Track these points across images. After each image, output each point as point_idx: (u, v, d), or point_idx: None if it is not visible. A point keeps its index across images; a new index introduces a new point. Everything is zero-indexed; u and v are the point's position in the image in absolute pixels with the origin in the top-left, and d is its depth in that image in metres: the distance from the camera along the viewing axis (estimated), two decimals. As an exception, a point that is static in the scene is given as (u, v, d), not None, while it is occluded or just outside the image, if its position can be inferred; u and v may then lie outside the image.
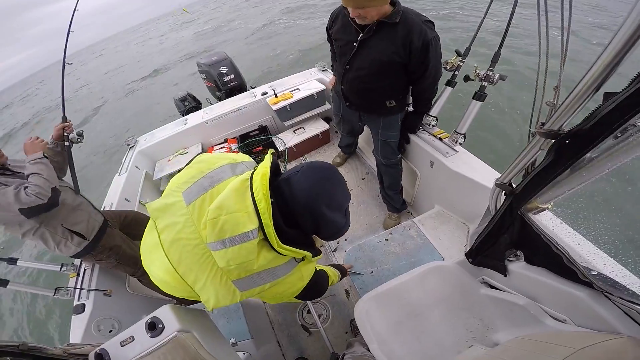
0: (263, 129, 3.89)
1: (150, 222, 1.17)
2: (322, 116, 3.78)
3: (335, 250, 2.62)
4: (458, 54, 2.10)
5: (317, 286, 1.41)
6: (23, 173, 1.85)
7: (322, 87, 3.49)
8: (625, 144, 0.69)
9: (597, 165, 0.77)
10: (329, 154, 3.61)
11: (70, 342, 1.78)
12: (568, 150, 0.81)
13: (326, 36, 2.30)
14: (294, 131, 3.66)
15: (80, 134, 2.43)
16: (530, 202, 1.04)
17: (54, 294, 2.03)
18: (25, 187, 1.74)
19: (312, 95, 3.46)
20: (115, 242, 2.19)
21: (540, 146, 0.91)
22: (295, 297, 1.26)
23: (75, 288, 2.09)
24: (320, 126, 3.62)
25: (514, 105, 5.42)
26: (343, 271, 1.78)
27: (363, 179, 3.18)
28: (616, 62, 0.62)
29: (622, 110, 0.65)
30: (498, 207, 1.22)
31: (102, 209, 2.49)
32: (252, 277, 1.03)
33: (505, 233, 1.19)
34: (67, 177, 2.31)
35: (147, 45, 27.22)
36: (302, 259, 1.14)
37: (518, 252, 1.24)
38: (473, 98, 1.99)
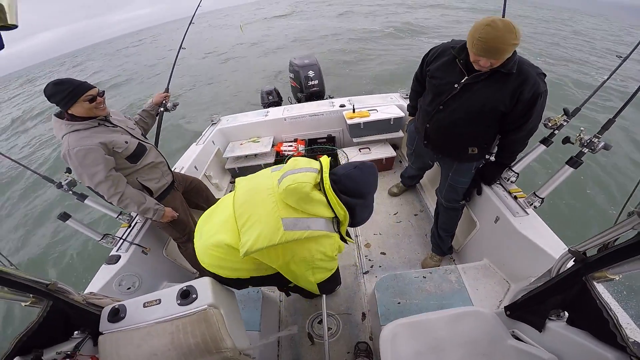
0: (331, 139, 3.95)
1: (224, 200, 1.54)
2: (391, 142, 3.74)
3: (366, 272, 2.58)
4: (565, 112, 1.96)
5: (335, 281, 1.78)
6: (122, 128, 2.05)
7: (402, 114, 3.46)
8: None
9: None
10: (387, 181, 3.57)
11: (89, 290, 1.87)
12: None
13: (418, 69, 2.23)
14: (359, 149, 3.66)
15: (175, 105, 2.72)
16: (599, 271, 0.98)
17: (101, 238, 2.14)
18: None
19: (389, 119, 3.46)
20: (175, 204, 2.31)
21: (632, 226, 0.87)
22: (318, 285, 1.48)
23: (120, 238, 2.20)
24: (387, 152, 3.58)
25: (603, 181, 5.11)
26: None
27: (416, 215, 3.09)
28: None
29: None
30: (561, 271, 1.17)
31: (173, 169, 2.63)
32: (298, 219, 1.27)
33: (560, 294, 1.17)
34: (151, 136, 2.52)
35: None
36: (339, 227, 1.38)
37: (562, 313, 1.22)
38: (566, 163, 1.86)
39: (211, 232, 1.42)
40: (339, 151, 3.71)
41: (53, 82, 1.78)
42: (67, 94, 1.79)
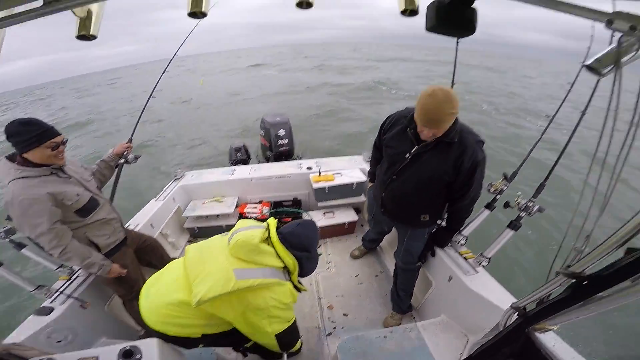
0: (297, 202, 4.04)
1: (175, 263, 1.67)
2: (354, 206, 3.87)
3: (329, 334, 2.59)
4: (505, 177, 2.17)
5: (293, 333, 1.84)
6: (76, 179, 1.98)
7: (364, 178, 3.63)
8: (638, 288, 0.80)
9: (608, 301, 0.88)
10: (349, 244, 3.65)
11: (10, 340, 1.74)
12: (585, 289, 0.95)
13: (376, 138, 2.38)
14: (323, 213, 3.75)
15: (137, 157, 2.64)
16: (539, 324, 1.13)
17: (35, 289, 2.01)
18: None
19: (352, 184, 3.61)
20: (125, 262, 2.22)
21: (560, 283, 1.04)
22: (276, 336, 1.58)
23: (57, 290, 2.08)
24: (350, 216, 3.70)
25: (539, 237, 5.50)
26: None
27: (376, 276, 3.18)
28: None
29: (637, 265, 0.78)
30: (507, 325, 1.31)
31: (127, 226, 2.59)
32: (249, 270, 1.42)
33: (508, 346, 1.29)
34: (107, 189, 2.45)
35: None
36: (290, 276, 1.58)
37: None
38: (508, 226, 2.05)
39: (160, 292, 1.52)
40: (304, 214, 3.81)
41: (20, 121, 1.70)
42: (31, 137, 1.70)
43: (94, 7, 0.97)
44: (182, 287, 1.45)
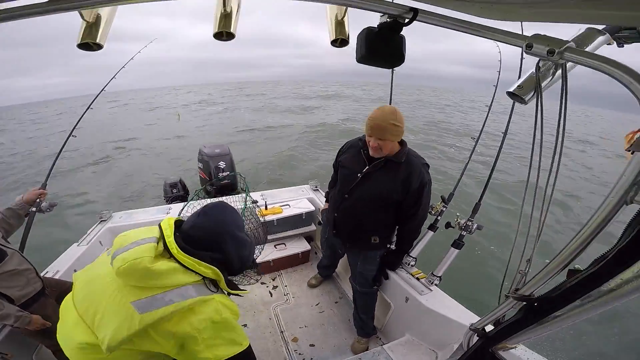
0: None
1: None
2: (305, 235, 3.94)
3: (299, 367, 2.59)
4: (442, 199, 2.38)
5: (247, 357, 1.30)
6: None
7: (312, 207, 3.73)
8: (587, 307, 0.89)
9: (562, 321, 0.99)
10: (305, 274, 3.69)
11: None
12: (537, 311, 1.05)
13: (335, 160, 2.49)
14: (275, 245, 3.76)
15: (52, 205, 2.44)
16: (500, 344, 1.27)
17: None
18: None
19: (301, 214, 3.69)
20: (46, 312, 2.04)
21: (512, 306, 1.15)
22: None
23: None
24: (302, 246, 3.76)
25: (489, 258, 5.95)
26: None
27: (336, 302, 3.26)
28: (582, 249, 0.88)
29: (583, 285, 0.88)
30: (470, 346, 1.44)
31: (44, 273, 2.41)
32: (154, 297, 1.06)
33: None
34: (14, 238, 2.22)
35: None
36: (217, 285, 1.23)
37: None
38: (452, 246, 2.25)
39: (68, 335, 1.18)
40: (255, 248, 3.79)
41: None
42: None
43: (104, 11, 0.90)
44: (85, 330, 1.10)
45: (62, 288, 2.33)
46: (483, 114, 2.57)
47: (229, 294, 1.32)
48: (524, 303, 1.10)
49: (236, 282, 1.51)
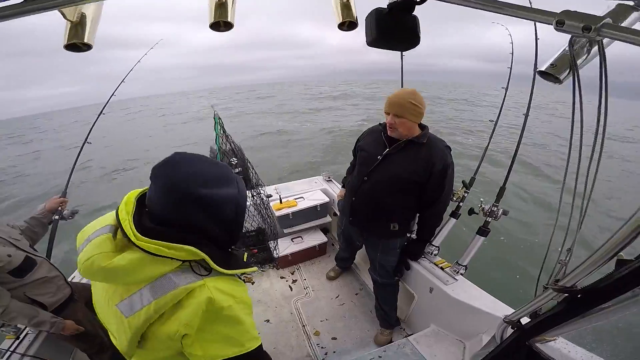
0: (261, 231, 3.99)
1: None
2: (321, 227, 3.90)
3: (322, 360, 2.57)
4: (464, 184, 2.31)
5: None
6: (3, 239, 1.84)
7: (326, 199, 3.68)
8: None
9: (609, 313, 0.92)
10: (323, 266, 3.67)
11: None
12: (581, 303, 0.98)
13: (354, 146, 2.47)
14: (291, 239, 3.74)
15: (74, 213, 2.45)
16: (539, 336, 1.22)
17: None
18: None
19: (316, 206, 3.64)
20: (77, 317, 2.09)
21: (552, 298, 1.08)
22: None
23: (7, 350, 1.94)
24: (319, 238, 3.73)
25: (523, 248, 5.83)
26: None
27: (356, 294, 3.23)
28: (634, 237, 0.79)
29: (636, 275, 0.81)
30: (504, 338, 1.39)
31: (70, 278, 2.42)
32: (131, 297, 0.87)
33: (510, 358, 1.33)
34: (42, 246, 2.26)
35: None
36: (207, 265, 0.92)
37: None
38: (477, 233, 2.17)
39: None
40: (270, 243, 3.78)
41: None
42: None
43: (88, 8, 0.83)
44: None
45: (89, 292, 2.34)
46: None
47: (245, 280, 1.12)
48: (566, 295, 1.04)
49: (251, 254, 1.34)
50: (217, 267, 0.91)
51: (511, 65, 2.38)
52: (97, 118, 2.88)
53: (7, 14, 0.67)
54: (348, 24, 1.21)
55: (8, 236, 1.89)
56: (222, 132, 1.72)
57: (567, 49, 0.85)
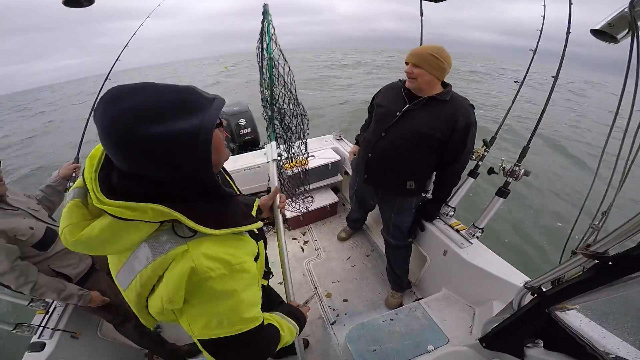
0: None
1: None
2: (331, 187, 3.84)
3: (334, 323, 2.58)
4: (484, 143, 2.19)
5: (255, 346, 0.88)
6: (23, 210, 1.79)
7: (337, 157, 3.59)
8: None
9: (637, 283, 0.85)
10: (334, 226, 3.64)
11: None
12: (610, 270, 0.90)
13: (370, 104, 2.37)
14: (302, 199, 3.71)
15: None
16: (559, 304, 1.14)
17: (14, 328, 1.87)
18: None
19: (327, 165, 3.55)
20: (101, 287, 2.07)
21: (582, 264, 1.00)
22: (203, 344, 0.81)
23: (39, 326, 1.96)
24: (330, 197, 3.67)
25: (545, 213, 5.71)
26: (301, 320, 1.23)
27: (368, 255, 3.19)
28: None
29: None
30: (522, 305, 1.32)
31: None
32: (123, 266, 0.78)
33: (528, 326, 1.29)
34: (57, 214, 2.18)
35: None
36: (192, 232, 0.75)
37: (537, 340, 1.30)
38: (496, 194, 2.06)
39: None
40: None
41: None
42: None
43: None
44: None
45: None
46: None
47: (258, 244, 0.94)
48: (595, 261, 0.94)
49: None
50: (199, 227, 0.73)
51: (537, 44, 2.22)
52: (103, 85, 2.73)
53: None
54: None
55: (27, 207, 1.83)
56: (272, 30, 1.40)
57: (626, 9, 0.83)
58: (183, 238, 0.74)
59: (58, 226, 1.82)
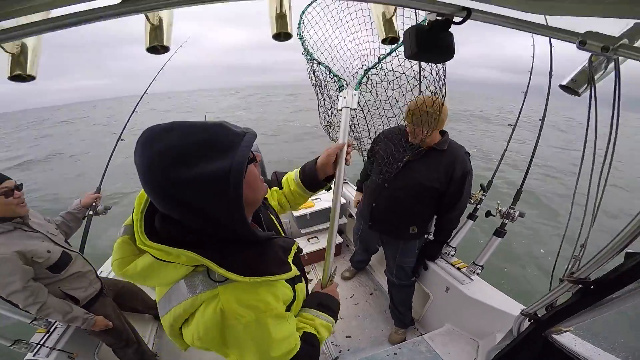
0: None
1: None
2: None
3: (336, 358, 2.62)
4: (482, 187, 2.37)
5: None
6: (42, 233, 1.87)
7: (343, 200, 3.72)
8: None
9: (618, 303, 1.01)
10: (338, 267, 3.69)
11: None
12: (594, 293, 1.06)
13: (369, 150, 2.36)
14: (308, 239, 3.78)
15: (107, 209, 2.54)
16: (554, 327, 1.30)
17: (12, 344, 1.87)
18: None
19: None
20: (106, 312, 2.14)
21: (567, 289, 1.16)
22: None
23: (37, 344, 1.96)
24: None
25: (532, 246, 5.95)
26: (334, 307, 1.22)
27: (371, 294, 3.27)
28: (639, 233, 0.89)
29: None
30: (521, 331, 1.47)
31: (99, 273, 2.49)
32: (164, 297, 0.82)
33: (527, 351, 1.41)
34: (75, 240, 2.32)
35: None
36: (222, 280, 0.77)
37: None
38: (494, 234, 2.23)
39: None
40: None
41: None
42: None
43: (29, 41, 0.84)
44: None
45: (117, 286, 2.45)
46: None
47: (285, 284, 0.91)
48: (580, 286, 1.11)
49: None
50: (229, 273, 0.74)
51: (531, 70, 2.47)
52: (130, 116, 2.96)
53: (107, 15, 0.71)
54: (390, 40, 1.26)
55: (46, 231, 1.94)
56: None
57: (586, 65, 0.94)
58: (215, 282, 0.77)
59: (73, 250, 2.04)
